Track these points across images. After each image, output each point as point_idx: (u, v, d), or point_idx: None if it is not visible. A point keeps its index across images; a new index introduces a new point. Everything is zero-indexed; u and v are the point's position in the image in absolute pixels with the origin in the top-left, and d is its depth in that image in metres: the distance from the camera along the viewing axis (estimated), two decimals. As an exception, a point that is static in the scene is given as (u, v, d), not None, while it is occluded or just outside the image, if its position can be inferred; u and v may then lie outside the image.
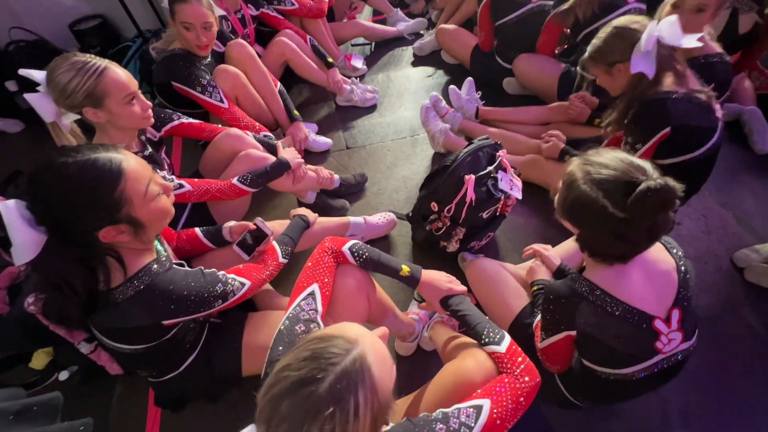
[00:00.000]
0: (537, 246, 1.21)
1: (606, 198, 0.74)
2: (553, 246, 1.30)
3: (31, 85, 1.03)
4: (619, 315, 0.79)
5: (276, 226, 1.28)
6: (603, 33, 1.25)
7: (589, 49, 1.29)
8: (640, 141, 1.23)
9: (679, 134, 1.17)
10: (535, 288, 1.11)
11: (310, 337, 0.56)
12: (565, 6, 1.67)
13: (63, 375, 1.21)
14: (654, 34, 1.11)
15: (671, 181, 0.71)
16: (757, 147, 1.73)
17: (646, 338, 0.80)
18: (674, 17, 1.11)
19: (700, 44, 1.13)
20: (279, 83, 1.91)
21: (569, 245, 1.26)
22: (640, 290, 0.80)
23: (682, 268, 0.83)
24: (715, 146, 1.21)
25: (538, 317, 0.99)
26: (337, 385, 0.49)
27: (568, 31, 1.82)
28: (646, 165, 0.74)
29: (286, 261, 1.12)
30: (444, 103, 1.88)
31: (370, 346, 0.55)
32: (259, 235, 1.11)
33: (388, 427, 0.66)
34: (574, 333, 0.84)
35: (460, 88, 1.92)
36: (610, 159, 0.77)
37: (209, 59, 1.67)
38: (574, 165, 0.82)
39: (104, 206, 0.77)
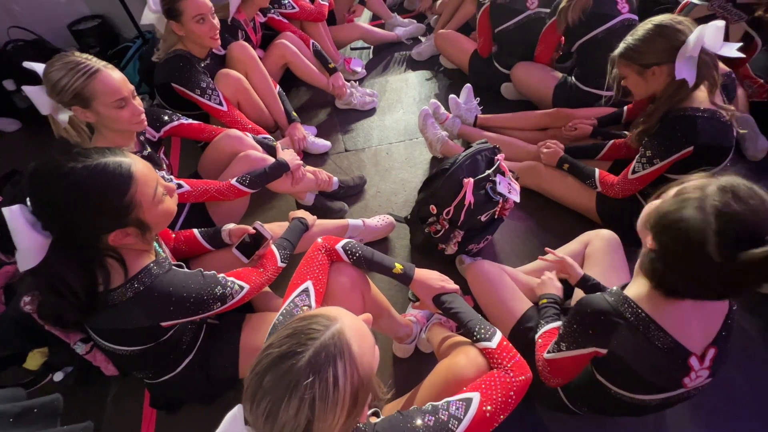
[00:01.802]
0: (561, 254, 1.13)
1: (717, 235, 0.60)
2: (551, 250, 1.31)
3: (33, 79, 1.05)
4: (659, 346, 0.73)
5: (275, 228, 1.28)
6: (641, 30, 1.14)
7: (623, 45, 1.19)
8: (659, 156, 1.20)
9: (701, 154, 1.15)
10: (545, 301, 1.06)
11: (293, 318, 0.58)
12: (560, 6, 1.68)
13: (58, 376, 1.19)
14: (702, 39, 1.04)
15: None
16: (749, 153, 1.75)
17: (677, 373, 0.75)
18: (721, 22, 1.04)
19: (741, 54, 1.07)
20: (278, 85, 1.92)
21: (570, 248, 1.26)
22: (688, 324, 0.74)
23: (733, 307, 0.77)
24: (726, 165, 1.20)
25: (544, 328, 0.98)
26: (316, 357, 0.51)
27: (563, 39, 1.84)
28: None
29: (284, 265, 1.12)
30: (443, 109, 1.89)
31: (350, 324, 0.56)
32: (258, 239, 1.12)
33: (378, 420, 0.66)
34: (604, 351, 0.78)
35: (458, 94, 1.94)
36: (749, 193, 0.62)
37: (210, 61, 1.67)
38: (699, 182, 0.67)
39: (115, 211, 0.78)
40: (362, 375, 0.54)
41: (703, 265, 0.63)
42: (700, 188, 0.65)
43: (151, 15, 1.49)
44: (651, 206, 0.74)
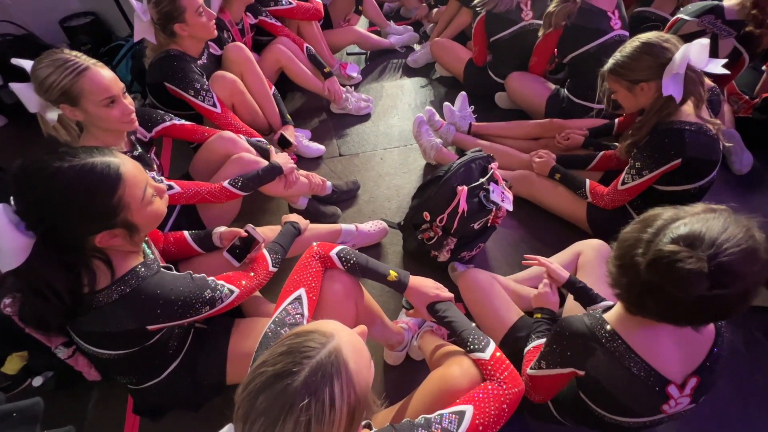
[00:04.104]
0: (543, 259, 1.13)
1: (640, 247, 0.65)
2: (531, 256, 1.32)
3: (22, 75, 1.03)
4: (634, 372, 0.73)
5: (267, 232, 1.27)
6: (629, 47, 1.18)
7: (612, 61, 1.22)
8: (647, 168, 1.23)
9: (688, 166, 1.18)
10: (539, 315, 1.06)
11: (287, 333, 0.57)
12: (547, 11, 1.71)
13: (37, 381, 1.16)
14: (688, 56, 1.08)
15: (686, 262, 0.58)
16: (736, 168, 1.80)
17: (654, 400, 0.75)
18: (706, 40, 1.08)
19: (726, 71, 1.10)
20: (273, 87, 1.91)
21: (562, 257, 1.27)
22: (665, 352, 0.73)
23: (721, 339, 0.76)
24: (714, 178, 1.23)
25: (534, 343, 0.97)
26: (312, 377, 0.50)
27: (556, 51, 1.88)
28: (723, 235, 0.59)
29: (276, 270, 1.11)
30: (438, 117, 1.90)
31: (347, 340, 0.55)
32: (250, 242, 1.10)
33: None
34: (582, 372, 0.79)
35: (452, 101, 1.95)
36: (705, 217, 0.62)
37: (205, 61, 1.66)
38: (662, 211, 0.68)
39: (102, 212, 0.76)
40: (359, 394, 0.53)
41: (664, 297, 0.64)
42: (659, 214, 0.67)
43: (144, 27, 1.45)
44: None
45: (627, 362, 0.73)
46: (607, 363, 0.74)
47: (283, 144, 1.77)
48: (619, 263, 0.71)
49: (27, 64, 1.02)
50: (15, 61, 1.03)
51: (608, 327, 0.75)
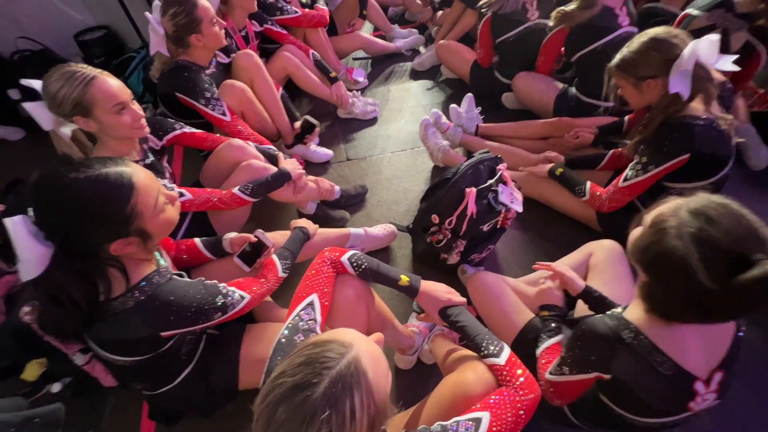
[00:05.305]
0: (557, 267, 1.09)
1: (702, 262, 0.60)
2: (553, 260, 1.30)
3: (35, 94, 1.06)
4: (661, 371, 0.71)
5: (276, 237, 1.28)
6: (637, 43, 1.16)
7: (619, 57, 1.20)
8: (654, 163, 1.20)
9: (697, 161, 1.15)
10: (545, 313, 1.04)
11: (305, 343, 0.56)
12: (567, 10, 1.69)
13: (55, 387, 1.18)
14: (696, 53, 1.05)
15: None
16: (752, 163, 1.76)
17: (681, 398, 0.73)
18: (716, 36, 1.06)
19: (736, 68, 1.08)
20: (281, 88, 1.92)
21: (573, 258, 1.24)
22: (690, 348, 0.72)
23: (741, 330, 0.76)
24: (726, 175, 1.20)
25: (546, 343, 0.96)
26: (333, 388, 0.49)
27: (563, 50, 1.86)
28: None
29: (285, 275, 1.12)
30: (445, 119, 1.90)
31: (365, 350, 0.55)
32: (260, 247, 1.11)
33: None
34: (607, 376, 0.77)
35: (458, 103, 1.95)
36: (722, 213, 0.61)
37: (214, 70, 1.69)
38: (671, 207, 0.67)
39: (116, 221, 0.78)
40: (378, 404, 0.52)
41: (699, 292, 0.62)
42: (673, 215, 0.65)
43: (159, 40, 1.48)
44: (632, 237, 0.74)
45: (653, 362, 0.71)
46: (633, 364, 0.72)
47: (307, 129, 1.81)
48: (673, 284, 0.67)
49: (36, 84, 1.04)
50: (24, 81, 1.05)
51: (632, 326, 0.73)
